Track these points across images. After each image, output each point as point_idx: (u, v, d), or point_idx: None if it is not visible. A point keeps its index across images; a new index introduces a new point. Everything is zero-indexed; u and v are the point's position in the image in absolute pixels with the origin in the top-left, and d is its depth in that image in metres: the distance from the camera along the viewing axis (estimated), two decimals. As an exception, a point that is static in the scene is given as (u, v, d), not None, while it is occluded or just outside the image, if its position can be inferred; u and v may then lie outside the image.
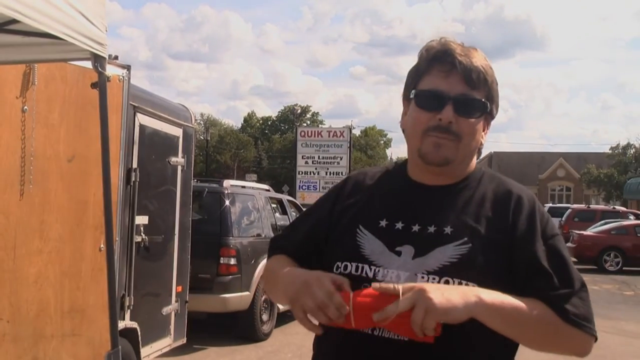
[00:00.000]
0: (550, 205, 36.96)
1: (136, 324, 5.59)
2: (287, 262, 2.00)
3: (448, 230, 1.81)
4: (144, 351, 5.82)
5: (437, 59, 1.89)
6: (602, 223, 24.96)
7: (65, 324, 4.56)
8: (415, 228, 1.84)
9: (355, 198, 1.99)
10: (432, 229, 1.82)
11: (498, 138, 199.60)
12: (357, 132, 70.84)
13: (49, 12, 2.96)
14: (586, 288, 1.81)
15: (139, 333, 5.62)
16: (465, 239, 1.79)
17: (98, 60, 3.44)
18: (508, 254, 1.79)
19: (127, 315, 5.55)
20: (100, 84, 3.52)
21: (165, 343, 6.47)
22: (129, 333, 5.44)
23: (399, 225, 1.86)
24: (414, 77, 1.95)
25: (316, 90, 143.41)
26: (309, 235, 2.03)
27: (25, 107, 4.22)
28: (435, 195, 1.90)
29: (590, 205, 36.68)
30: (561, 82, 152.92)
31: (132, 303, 5.62)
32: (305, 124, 73.40)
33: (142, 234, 5.86)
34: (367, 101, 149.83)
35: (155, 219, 6.15)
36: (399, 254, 1.81)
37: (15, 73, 4.16)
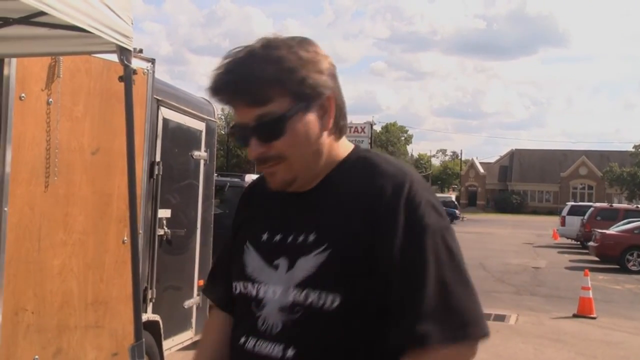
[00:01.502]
0: (573, 203, 36.65)
1: (158, 317, 5.61)
2: (209, 342, 1.94)
3: (312, 237, 1.63)
4: (166, 344, 5.84)
5: (216, 96, 1.65)
6: (624, 222, 24.71)
7: (88, 316, 4.58)
8: (290, 238, 1.68)
9: (245, 213, 1.89)
10: (301, 237, 1.65)
11: (519, 135, 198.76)
12: (378, 128, 70.70)
13: (76, 4, 2.97)
14: (452, 283, 1.56)
15: (161, 326, 5.64)
16: (326, 245, 1.60)
17: (124, 53, 3.45)
18: (370, 256, 1.57)
19: (150, 308, 5.58)
20: (126, 77, 3.53)
21: (187, 336, 6.49)
22: (151, 326, 5.46)
23: (278, 237, 1.70)
24: None
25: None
26: (228, 278, 1.86)
27: (51, 100, 4.24)
28: (302, 203, 1.71)
29: (613, 204, 36.34)
30: (583, 79, 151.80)
31: (155, 296, 5.65)
32: (326, 120, 73.36)
33: (164, 227, 5.88)
34: (388, 97, 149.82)
35: (177, 213, 6.16)
36: (276, 267, 1.68)
37: (40, 66, 4.18)
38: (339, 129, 1.71)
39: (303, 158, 1.65)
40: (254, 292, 1.70)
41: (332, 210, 1.65)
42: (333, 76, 1.68)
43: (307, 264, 1.61)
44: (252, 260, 1.74)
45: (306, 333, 1.60)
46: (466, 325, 1.56)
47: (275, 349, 1.62)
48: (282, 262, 1.66)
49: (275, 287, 1.66)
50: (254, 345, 1.66)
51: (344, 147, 1.75)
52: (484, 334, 1.59)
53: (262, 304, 1.67)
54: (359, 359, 1.59)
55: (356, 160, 1.73)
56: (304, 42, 1.67)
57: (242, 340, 1.70)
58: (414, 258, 1.55)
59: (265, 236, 1.73)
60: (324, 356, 1.59)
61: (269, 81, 1.58)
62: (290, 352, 1.60)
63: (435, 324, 1.51)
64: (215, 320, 1.96)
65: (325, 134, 1.67)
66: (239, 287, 1.76)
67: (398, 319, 1.54)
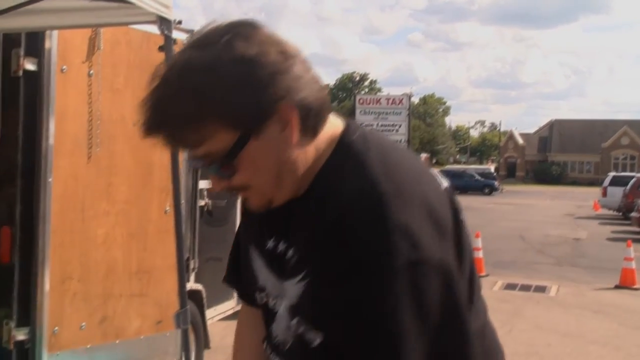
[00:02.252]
0: (614, 174, 36.08)
1: (201, 286, 5.68)
2: (244, 339, 1.77)
3: (295, 258, 1.39)
4: (209, 313, 5.91)
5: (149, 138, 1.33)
6: (668, 191, 24.32)
7: (133, 285, 4.66)
8: (290, 252, 1.41)
9: (249, 215, 1.60)
10: (289, 253, 1.41)
11: (559, 105, 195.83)
12: (415, 99, 70.26)
13: (116, -26, 2.99)
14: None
15: (204, 295, 5.71)
16: (304, 272, 1.35)
17: (164, 23, 3.47)
18: (344, 297, 1.28)
19: (192, 277, 5.64)
20: (167, 47, 3.55)
21: (229, 306, 6.56)
22: (194, 295, 5.52)
23: (282, 246, 1.44)
24: None
25: (374, 58, 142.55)
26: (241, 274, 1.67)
27: (92, 72, 4.28)
28: (292, 212, 1.43)
29: (656, 174, 35.71)
30: (625, 47, 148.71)
31: (197, 266, 5.71)
32: (363, 92, 72.98)
33: (205, 197, 5.93)
34: (425, 68, 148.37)
35: (217, 184, 6.19)
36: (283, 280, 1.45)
37: (81, 38, 4.22)
38: (312, 129, 1.36)
39: (270, 183, 1.36)
40: (269, 303, 1.53)
41: (311, 231, 1.35)
42: (286, 70, 1.29)
43: (292, 290, 1.39)
44: (261, 270, 1.54)
45: None
46: None
47: None
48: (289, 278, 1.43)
49: (285, 302, 1.44)
50: (269, 356, 1.56)
51: (327, 141, 1.41)
52: None
53: (275, 317, 1.50)
54: None
55: (343, 160, 1.38)
56: (238, 36, 1.30)
57: (264, 345, 1.59)
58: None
59: (270, 244, 1.49)
60: None
61: (194, 121, 1.26)
62: None
63: None
64: (242, 316, 1.83)
65: (290, 149, 1.34)
66: (257, 296, 1.58)
67: None
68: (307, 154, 1.38)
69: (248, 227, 1.63)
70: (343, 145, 1.40)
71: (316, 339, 1.34)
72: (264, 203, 1.40)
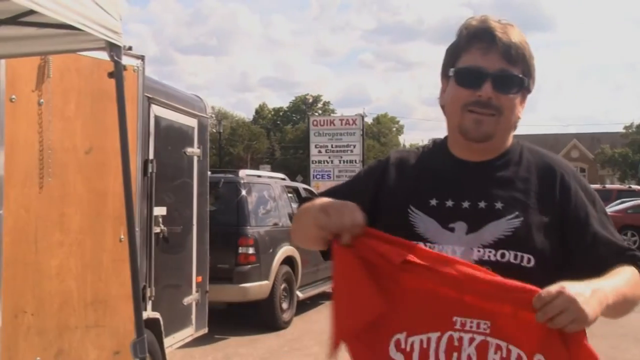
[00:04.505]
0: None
1: (158, 314, 5.60)
2: None
3: (499, 205, 1.86)
4: (167, 341, 5.83)
5: (477, 36, 1.90)
6: (618, 202, 24.83)
7: (88, 315, 4.57)
8: (466, 205, 1.88)
9: (401, 179, 2.00)
10: (482, 204, 1.87)
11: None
12: (369, 119, 70.61)
13: (65, 2, 2.96)
14: None
15: (162, 323, 5.63)
16: (517, 213, 1.84)
17: (114, 49, 3.43)
18: (560, 228, 1.85)
19: (149, 305, 5.56)
20: (117, 73, 3.51)
21: (187, 333, 6.49)
22: (151, 323, 5.45)
23: (449, 203, 1.89)
24: (453, 54, 1.97)
25: (326, 79, 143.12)
26: (353, 198, 1.91)
27: (42, 100, 4.22)
28: (480, 171, 1.93)
29: (606, 185, 36.40)
30: (571, 63, 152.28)
31: (154, 294, 5.63)
32: (317, 114, 73.25)
33: (160, 225, 5.87)
34: (378, 88, 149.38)
35: (173, 210, 6.15)
36: (452, 230, 1.86)
37: (30, 66, 4.16)
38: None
39: (508, 122, 1.92)
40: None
41: (515, 184, 1.90)
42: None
43: (499, 228, 1.83)
44: (423, 222, 1.89)
45: None
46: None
47: None
48: (460, 226, 1.86)
49: (454, 247, 1.84)
50: None
51: (512, 135, 2.01)
52: None
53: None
54: None
55: (522, 146, 2.01)
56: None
57: None
58: (613, 231, 1.90)
59: (434, 201, 1.90)
60: None
61: (525, 54, 1.92)
62: None
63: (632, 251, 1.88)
64: None
65: (520, 115, 1.97)
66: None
67: (608, 247, 1.85)
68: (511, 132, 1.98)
69: (406, 191, 1.96)
70: (516, 141, 2.01)
71: (531, 261, 1.81)
72: (489, 131, 1.88)
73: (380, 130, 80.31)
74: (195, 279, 6.66)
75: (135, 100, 5.09)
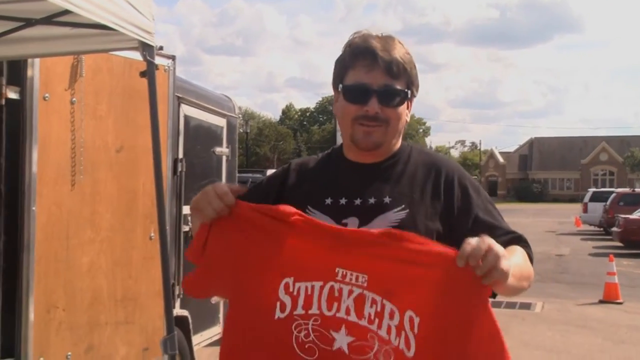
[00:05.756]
0: (594, 189, 36.40)
1: (187, 312, 5.64)
2: None
3: (387, 200, 2.06)
4: (195, 339, 5.87)
5: (361, 54, 2.07)
6: (648, 207, 24.50)
7: (118, 312, 4.62)
8: (358, 202, 2.07)
9: (300, 182, 2.19)
10: (372, 200, 2.06)
11: (538, 123, 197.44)
12: (395, 121, 70.41)
13: (98, 2, 3.00)
14: None
15: (190, 321, 5.67)
16: (403, 205, 2.04)
17: (146, 49, 3.47)
18: (446, 218, 2.05)
19: (178, 303, 5.61)
20: (149, 73, 3.55)
21: (215, 331, 6.52)
22: (180, 321, 5.49)
23: (343, 201, 2.08)
24: (340, 69, 2.14)
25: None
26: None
27: (74, 99, 4.28)
28: (371, 172, 2.13)
29: (635, 189, 36.01)
30: (600, 65, 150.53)
31: (182, 292, 5.67)
32: (343, 115, 73.06)
33: (189, 223, 5.90)
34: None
35: (201, 209, 6.16)
36: (345, 225, 2.02)
37: (63, 65, 4.22)
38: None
39: (395, 130, 2.11)
40: None
41: (402, 180, 2.10)
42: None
43: (386, 220, 2.01)
44: (319, 219, 2.01)
45: None
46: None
47: None
48: (352, 220, 2.03)
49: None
50: None
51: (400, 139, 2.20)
52: None
53: None
54: None
55: (412, 147, 2.20)
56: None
57: None
58: (499, 217, 2.10)
59: (329, 200, 2.09)
60: None
61: (406, 67, 2.08)
62: None
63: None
64: None
65: (407, 119, 2.17)
66: None
67: (492, 230, 1.94)
68: (399, 137, 2.17)
69: (298, 192, 2.15)
70: (405, 143, 2.22)
71: None
72: (378, 141, 2.07)
73: (407, 132, 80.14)
74: (222, 277, 6.68)
75: (165, 99, 5.14)
